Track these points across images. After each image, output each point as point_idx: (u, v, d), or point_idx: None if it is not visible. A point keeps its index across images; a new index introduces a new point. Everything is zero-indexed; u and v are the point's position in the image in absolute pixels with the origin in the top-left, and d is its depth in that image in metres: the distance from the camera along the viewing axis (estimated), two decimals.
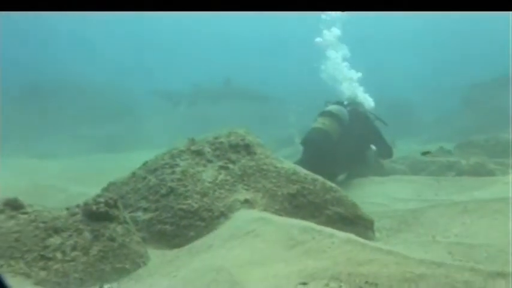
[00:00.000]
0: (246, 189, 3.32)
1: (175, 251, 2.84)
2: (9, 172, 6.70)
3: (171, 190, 3.16)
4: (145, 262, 2.60)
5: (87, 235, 2.46)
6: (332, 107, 6.97)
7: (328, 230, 2.42)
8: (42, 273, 2.23)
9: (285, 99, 18.01)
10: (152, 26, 33.35)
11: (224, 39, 36.00)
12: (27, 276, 2.20)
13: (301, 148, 6.97)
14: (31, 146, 12.70)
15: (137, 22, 31.43)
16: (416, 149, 9.76)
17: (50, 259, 2.29)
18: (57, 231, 2.43)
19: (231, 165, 3.51)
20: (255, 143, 3.81)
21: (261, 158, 3.64)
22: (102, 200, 2.63)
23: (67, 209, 2.60)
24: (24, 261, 2.25)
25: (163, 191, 3.17)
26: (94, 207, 2.57)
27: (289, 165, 3.72)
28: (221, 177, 3.37)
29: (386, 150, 7.55)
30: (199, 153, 3.57)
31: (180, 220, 3.00)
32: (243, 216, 2.96)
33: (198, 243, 2.85)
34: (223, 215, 3.05)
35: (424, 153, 7.00)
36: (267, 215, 2.97)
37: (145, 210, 3.12)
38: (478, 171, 6.54)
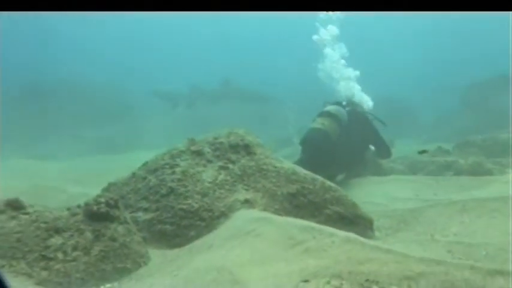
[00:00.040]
0: (246, 189, 3.33)
1: (176, 250, 2.86)
2: (10, 173, 6.70)
3: (171, 190, 3.17)
4: (146, 262, 2.61)
5: (89, 235, 2.47)
6: (331, 108, 6.99)
7: (328, 229, 2.43)
8: (44, 274, 2.24)
9: (283, 99, 18.03)
10: (151, 26, 33.38)
11: (222, 39, 36.00)
12: (29, 276, 2.21)
13: (299, 148, 6.99)
14: (31, 147, 12.71)
15: (136, 23, 31.49)
16: (415, 149, 9.79)
17: (51, 259, 2.30)
18: (58, 231, 2.43)
19: (230, 165, 3.52)
20: (254, 143, 3.82)
21: (260, 158, 3.65)
22: (103, 200, 2.64)
23: (68, 209, 2.61)
24: (26, 262, 2.26)
25: (163, 191, 3.18)
26: (95, 208, 2.58)
27: (288, 165, 3.74)
28: (221, 177, 3.38)
29: (385, 150, 7.57)
30: (199, 153, 3.58)
31: (180, 220, 3.02)
32: (243, 216, 2.97)
33: (198, 243, 2.86)
34: (224, 214, 3.07)
35: (421, 152, 7.03)
36: (267, 214, 2.99)
37: (145, 210, 3.13)
38: (476, 171, 6.56)
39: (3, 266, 2.19)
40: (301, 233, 2.44)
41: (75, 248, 2.39)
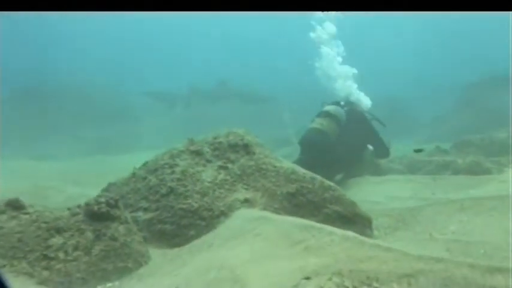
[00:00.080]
0: (246, 189, 3.34)
1: (176, 250, 2.87)
2: (9, 174, 6.70)
3: (171, 190, 3.18)
4: (146, 261, 2.63)
5: (89, 235, 2.48)
6: (329, 108, 7.02)
7: (328, 227, 2.45)
8: (45, 273, 2.25)
9: (281, 99, 18.06)
10: (150, 26, 33.37)
11: (220, 39, 36.00)
12: (30, 276, 2.22)
13: (298, 148, 7.01)
14: (30, 147, 12.70)
15: (135, 23, 31.46)
16: (413, 149, 9.81)
17: (52, 259, 2.31)
18: (59, 231, 2.44)
19: (230, 165, 3.54)
20: (253, 142, 3.84)
21: (260, 158, 3.67)
22: (103, 200, 2.65)
23: (68, 209, 2.62)
24: (27, 261, 2.26)
25: (163, 191, 3.19)
26: (95, 207, 2.59)
27: (288, 164, 3.75)
28: (221, 176, 3.39)
29: (383, 150, 7.61)
30: (198, 153, 3.59)
31: (180, 219, 3.03)
32: (243, 215, 2.99)
33: (198, 242, 2.88)
34: (224, 214, 3.08)
35: (417, 151, 7.07)
36: (267, 213, 3.00)
37: (145, 210, 3.14)
38: (474, 170, 6.60)
39: (4, 266, 2.20)
40: (301, 232, 2.45)
41: (76, 248, 2.40)
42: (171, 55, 35.00)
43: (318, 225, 2.55)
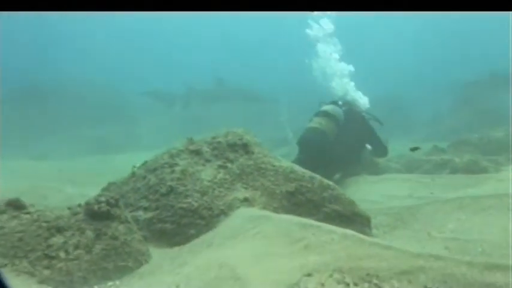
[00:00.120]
0: (245, 188, 3.36)
1: (176, 249, 2.88)
2: (7, 173, 6.69)
3: (171, 189, 3.19)
4: (147, 260, 2.63)
5: (90, 234, 2.49)
6: (328, 107, 7.03)
7: (327, 226, 2.47)
8: (46, 272, 2.25)
9: (279, 98, 18.05)
10: (148, 26, 33.34)
11: (218, 38, 35.99)
12: (32, 275, 2.22)
13: (296, 148, 7.02)
14: (28, 147, 12.68)
15: (133, 23, 31.40)
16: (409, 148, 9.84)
17: (53, 258, 2.31)
18: (59, 230, 2.45)
19: (229, 164, 3.55)
20: (252, 142, 3.85)
21: (258, 157, 3.68)
22: (103, 199, 2.65)
23: (69, 208, 2.63)
24: (28, 260, 2.27)
25: (163, 190, 3.20)
26: (96, 207, 2.59)
27: (287, 163, 3.77)
28: (220, 176, 3.40)
29: (381, 150, 7.63)
30: (197, 152, 3.60)
31: (180, 219, 3.04)
32: (242, 214, 3.00)
33: (198, 241, 2.89)
34: (223, 213, 3.09)
35: (413, 149, 7.11)
36: (266, 212, 3.02)
37: (145, 209, 3.15)
38: (472, 169, 6.63)
39: (5, 265, 2.21)
40: (301, 230, 2.47)
41: (76, 247, 2.40)
42: (169, 55, 34.99)
43: (317, 223, 2.57)
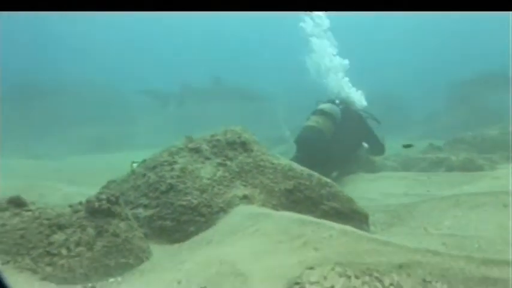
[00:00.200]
0: (244, 185, 3.39)
1: (177, 246, 2.90)
2: (5, 172, 6.69)
3: (171, 187, 3.21)
4: (148, 257, 2.66)
5: (91, 231, 2.51)
6: (325, 106, 7.07)
7: (326, 222, 2.50)
8: (48, 269, 2.27)
9: (276, 97, 18.09)
10: (146, 26, 33.26)
11: (214, 37, 35.93)
12: (34, 272, 2.24)
13: (293, 146, 7.05)
14: (26, 146, 12.65)
15: (131, 23, 31.32)
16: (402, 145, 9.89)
17: (55, 255, 2.33)
18: (61, 227, 2.47)
19: (228, 162, 3.57)
20: (251, 140, 3.88)
21: (257, 155, 3.71)
22: (104, 197, 2.67)
23: (70, 206, 2.64)
24: (30, 258, 2.29)
25: (163, 188, 3.23)
26: (96, 204, 2.61)
27: (285, 161, 3.80)
28: (219, 173, 3.43)
29: (378, 148, 7.68)
30: (197, 150, 3.62)
31: (180, 216, 3.06)
32: (242, 212, 3.03)
33: (198, 238, 2.91)
34: (223, 210, 3.12)
35: (406, 146, 7.16)
36: (266, 210, 3.05)
37: (146, 206, 3.17)
38: (467, 167, 6.69)
39: (8, 262, 2.23)
40: (300, 227, 2.50)
41: (78, 244, 2.42)
42: (163, 53, 34.93)
43: (317, 220, 2.60)
